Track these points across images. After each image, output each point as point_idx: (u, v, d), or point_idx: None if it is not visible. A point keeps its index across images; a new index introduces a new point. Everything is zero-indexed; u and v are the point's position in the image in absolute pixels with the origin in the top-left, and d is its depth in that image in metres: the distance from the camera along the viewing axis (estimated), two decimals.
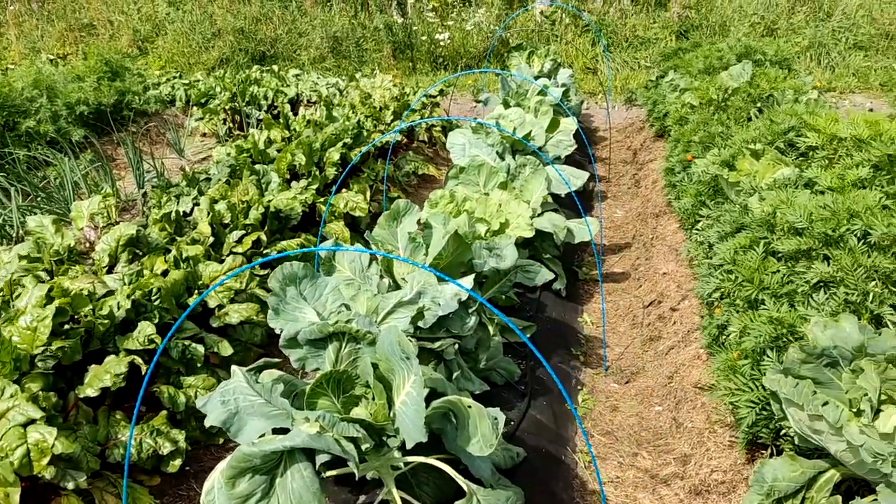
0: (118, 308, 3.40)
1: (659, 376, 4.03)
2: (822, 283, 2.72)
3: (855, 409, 2.27)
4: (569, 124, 6.17)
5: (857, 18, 11.29)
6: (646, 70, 10.98)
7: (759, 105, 5.71)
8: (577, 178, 5.45)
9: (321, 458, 2.61)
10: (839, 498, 2.43)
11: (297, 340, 2.93)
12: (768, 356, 2.62)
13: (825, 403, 2.24)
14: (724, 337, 3.33)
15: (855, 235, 2.86)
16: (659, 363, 4.15)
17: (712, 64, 7.19)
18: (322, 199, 5.42)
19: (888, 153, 3.25)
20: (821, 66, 10.86)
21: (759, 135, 4.42)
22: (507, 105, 6.39)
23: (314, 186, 5.40)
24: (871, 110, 9.13)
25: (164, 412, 3.29)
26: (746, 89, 5.97)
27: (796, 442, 2.51)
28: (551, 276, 4.21)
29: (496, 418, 2.59)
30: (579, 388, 4.04)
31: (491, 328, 3.69)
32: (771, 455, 2.82)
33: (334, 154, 5.78)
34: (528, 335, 4.16)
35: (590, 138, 8.70)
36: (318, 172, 5.59)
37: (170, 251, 4.20)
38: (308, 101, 8.56)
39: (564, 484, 3.30)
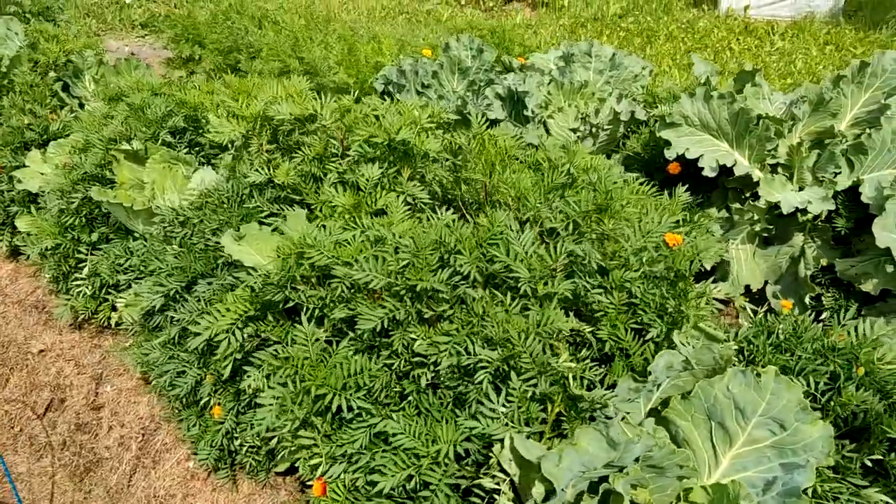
0: None
1: None
2: (466, 370, 1.81)
3: None
4: None
5: None
6: None
7: (60, 75, 4.22)
8: None
9: None
10: None
11: None
12: None
13: None
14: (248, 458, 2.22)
15: (485, 282, 1.91)
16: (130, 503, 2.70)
17: None
18: None
19: (393, 138, 2.39)
20: None
21: (125, 129, 3.11)
22: None
23: None
24: (133, 54, 8.29)
25: None
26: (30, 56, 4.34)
27: None
28: None
29: None
30: None
31: None
32: None
33: None
34: None
35: None
36: None
37: None
38: None
39: None
